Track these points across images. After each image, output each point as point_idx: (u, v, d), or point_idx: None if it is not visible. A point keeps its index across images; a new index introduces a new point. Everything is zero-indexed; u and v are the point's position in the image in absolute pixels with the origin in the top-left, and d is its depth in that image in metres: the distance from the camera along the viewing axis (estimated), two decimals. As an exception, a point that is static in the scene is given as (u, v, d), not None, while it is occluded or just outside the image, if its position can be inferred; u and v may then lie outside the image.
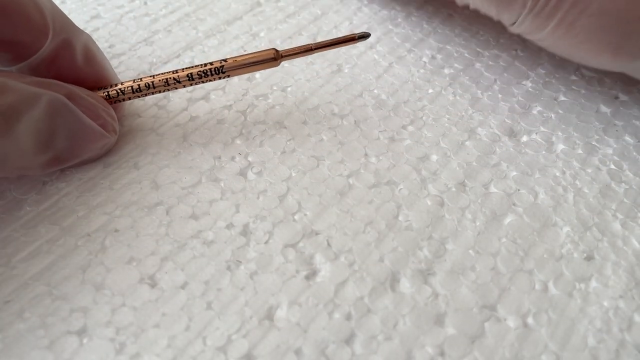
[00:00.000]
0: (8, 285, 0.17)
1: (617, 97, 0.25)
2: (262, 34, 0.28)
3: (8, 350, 0.16)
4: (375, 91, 0.25)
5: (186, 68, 0.21)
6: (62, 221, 0.19)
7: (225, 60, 0.21)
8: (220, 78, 0.21)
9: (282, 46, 0.27)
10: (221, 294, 0.17)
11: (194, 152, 0.22)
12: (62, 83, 0.19)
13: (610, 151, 0.22)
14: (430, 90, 0.25)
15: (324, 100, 0.24)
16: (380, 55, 0.27)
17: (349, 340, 0.16)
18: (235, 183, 0.21)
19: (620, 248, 0.19)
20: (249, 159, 0.22)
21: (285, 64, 0.26)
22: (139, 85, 0.21)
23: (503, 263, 0.18)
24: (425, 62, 0.27)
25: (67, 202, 0.20)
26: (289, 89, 0.25)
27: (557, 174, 0.21)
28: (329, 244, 0.19)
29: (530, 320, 0.17)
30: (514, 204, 0.20)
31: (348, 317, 0.17)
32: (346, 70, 0.26)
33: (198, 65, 0.21)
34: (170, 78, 0.21)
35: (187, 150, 0.22)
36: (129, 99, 0.21)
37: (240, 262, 0.18)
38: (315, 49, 0.21)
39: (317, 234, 0.19)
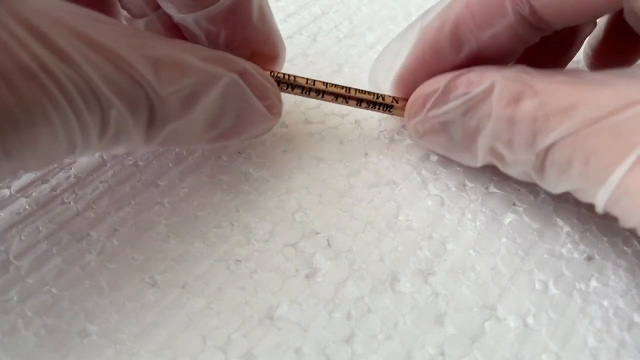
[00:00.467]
0: (8, 284, 0.17)
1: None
2: (262, 34, 0.28)
3: (8, 351, 0.16)
4: (376, 91, 0.25)
5: (359, 91, 0.21)
6: (62, 220, 0.19)
7: (397, 101, 0.21)
8: (383, 112, 0.21)
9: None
10: (221, 293, 0.17)
11: (194, 151, 0.22)
12: (236, 58, 0.18)
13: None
14: (431, 90, 0.25)
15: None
16: (381, 55, 0.27)
17: (349, 339, 0.16)
18: (235, 182, 0.21)
19: (620, 248, 0.19)
20: (249, 158, 0.22)
21: (285, 63, 0.26)
22: (310, 87, 0.20)
23: (503, 263, 0.18)
24: (425, 62, 0.27)
25: (67, 200, 0.20)
26: (289, 88, 0.25)
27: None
28: (329, 244, 0.19)
29: (530, 320, 0.17)
30: (514, 204, 0.20)
31: (348, 316, 0.17)
32: (346, 70, 0.26)
33: (370, 94, 0.21)
34: (341, 94, 0.21)
35: (188, 150, 0.22)
36: (291, 92, 0.21)
37: (240, 261, 0.18)
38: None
39: (317, 233, 0.19)
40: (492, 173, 0.21)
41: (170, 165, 0.21)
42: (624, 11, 0.17)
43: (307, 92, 0.20)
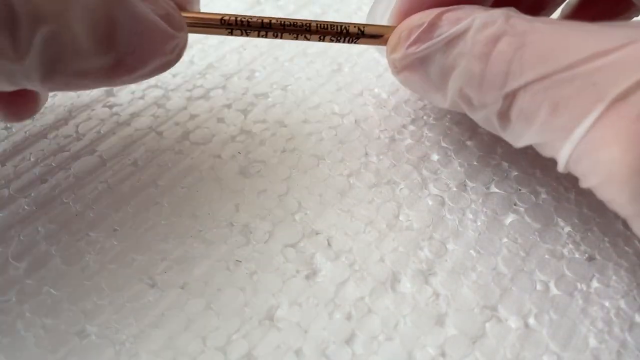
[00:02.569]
0: (7, 285, 0.17)
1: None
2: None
3: (7, 351, 0.16)
4: (376, 90, 0.25)
5: (320, 25, 0.19)
6: (61, 220, 0.19)
7: (362, 31, 0.19)
8: (350, 42, 0.19)
9: (282, 44, 0.27)
10: (221, 294, 0.17)
11: (193, 151, 0.22)
12: None
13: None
14: (431, 90, 0.25)
15: (324, 99, 0.24)
16: (381, 54, 0.27)
17: (349, 340, 0.16)
18: (235, 182, 0.21)
19: (622, 248, 0.19)
20: (249, 157, 0.21)
21: (285, 62, 0.26)
22: (266, 27, 0.19)
23: (504, 263, 0.18)
24: (426, 61, 0.27)
25: (66, 200, 0.20)
26: (289, 87, 0.25)
27: (559, 174, 0.21)
28: (329, 244, 0.19)
29: (531, 320, 0.17)
30: (515, 204, 0.20)
31: (348, 317, 0.17)
32: (347, 69, 0.26)
33: (333, 26, 0.19)
34: (301, 30, 0.19)
35: (187, 149, 0.22)
36: (245, 35, 0.19)
37: (240, 261, 0.18)
38: None
39: (317, 233, 0.19)
40: (493, 173, 0.21)
41: (169, 165, 0.21)
42: None
43: (265, 33, 0.19)
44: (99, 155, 0.21)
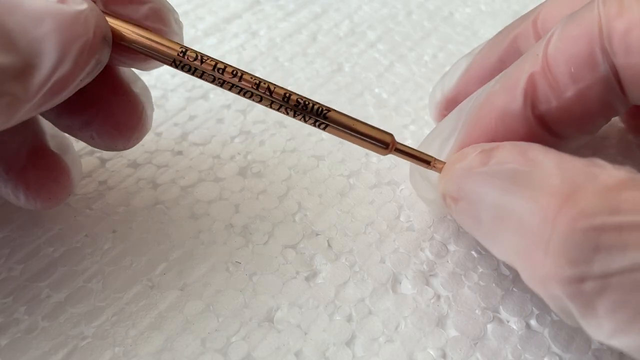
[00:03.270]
0: (5, 286, 0.17)
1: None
2: (261, 33, 0.28)
3: (6, 353, 0.16)
4: (376, 90, 0.25)
5: (277, 86, 0.16)
6: (60, 221, 0.19)
7: (329, 110, 0.16)
8: (315, 124, 0.16)
9: (281, 44, 0.27)
10: (220, 296, 0.17)
11: (192, 151, 0.22)
12: None
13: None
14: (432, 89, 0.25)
15: (324, 99, 0.24)
16: (381, 54, 0.27)
17: (349, 342, 0.16)
18: (234, 183, 0.20)
19: (624, 249, 0.19)
20: (249, 158, 0.21)
21: (285, 62, 0.26)
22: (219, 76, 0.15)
23: (506, 264, 0.18)
24: (426, 61, 0.27)
25: (65, 201, 0.19)
26: (289, 87, 0.25)
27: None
28: (329, 245, 0.19)
29: (533, 321, 0.17)
30: (516, 204, 0.20)
31: (349, 318, 0.17)
32: (347, 69, 0.26)
33: (295, 94, 0.16)
34: (263, 85, 0.15)
35: (186, 150, 0.22)
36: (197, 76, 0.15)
37: (240, 263, 0.18)
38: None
39: (317, 234, 0.19)
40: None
41: (168, 166, 0.21)
42: None
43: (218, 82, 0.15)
44: (98, 156, 0.21)
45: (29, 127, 0.17)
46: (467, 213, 0.15)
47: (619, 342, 0.11)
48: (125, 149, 0.18)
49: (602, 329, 0.11)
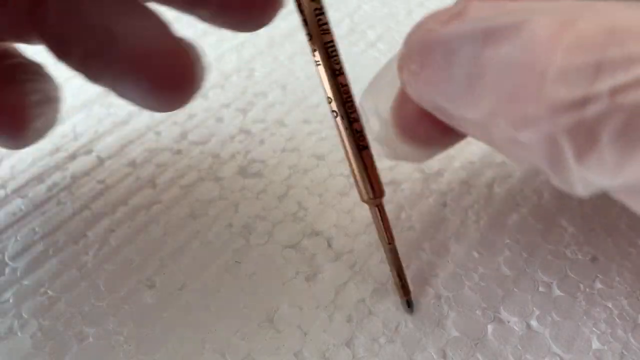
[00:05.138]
0: (4, 287, 0.17)
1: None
2: (261, 31, 0.28)
3: (5, 353, 0.16)
4: (376, 89, 0.25)
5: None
6: (58, 220, 0.19)
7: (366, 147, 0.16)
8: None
9: (281, 43, 0.27)
10: (220, 296, 0.17)
11: (192, 150, 0.21)
12: None
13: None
14: (432, 89, 0.25)
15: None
16: (382, 54, 0.27)
17: (349, 342, 0.16)
18: (234, 182, 0.20)
19: (625, 249, 0.19)
20: (248, 158, 0.21)
21: (285, 61, 0.26)
22: None
23: (506, 264, 0.18)
24: (426, 60, 0.27)
25: (64, 201, 0.19)
26: (288, 86, 0.25)
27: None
28: (329, 245, 0.19)
29: (534, 322, 0.17)
30: (517, 204, 0.20)
31: (349, 319, 0.17)
32: (347, 69, 0.26)
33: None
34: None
35: (186, 149, 0.22)
36: None
37: (240, 262, 0.18)
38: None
39: (317, 234, 0.19)
40: (496, 172, 0.21)
41: (167, 165, 0.21)
42: None
43: None
44: (97, 155, 0.21)
45: None
46: (433, 80, 0.13)
47: (623, 177, 0.10)
48: (258, 27, 0.15)
49: (604, 164, 0.10)
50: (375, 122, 0.16)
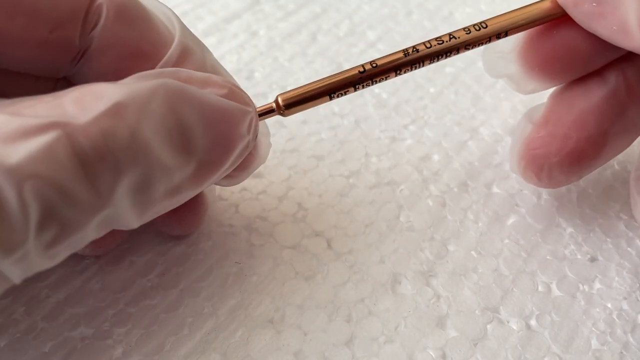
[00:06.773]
0: (4, 287, 0.17)
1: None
2: (261, 32, 0.28)
3: (5, 354, 0.16)
4: (376, 90, 0.25)
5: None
6: (59, 222, 0.19)
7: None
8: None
9: (281, 44, 0.27)
10: (220, 296, 0.17)
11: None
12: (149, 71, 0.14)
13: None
14: (432, 89, 0.25)
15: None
16: (381, 54, 0.27)
17: (349, 342, 0.16)
18: (234, 183, 0.20)
19: (624, 249, 0.19)
20: (248, 158, 0.21)
21: (284, 62, 0.26)
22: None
23: (505, 264, 0.18)
24: (426, 61, 0.27)
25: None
26: (288, 88, 0.25)
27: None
28: (329, 245, 0.19)
29: (533, 322, 0.17)
30: (516, 205, 0.20)
31: (348, 319, 0.17)
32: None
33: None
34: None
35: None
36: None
37: (239, 263, 0.18)
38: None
39: (317, 234, 0.19)
40: (494, 173, 0.21)
41: (168, 166, 0.21)
42: None
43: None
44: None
45: None
46: (594, 12, 0.16)
47: None
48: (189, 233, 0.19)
49: None
50: (504, 64, 0.19)
